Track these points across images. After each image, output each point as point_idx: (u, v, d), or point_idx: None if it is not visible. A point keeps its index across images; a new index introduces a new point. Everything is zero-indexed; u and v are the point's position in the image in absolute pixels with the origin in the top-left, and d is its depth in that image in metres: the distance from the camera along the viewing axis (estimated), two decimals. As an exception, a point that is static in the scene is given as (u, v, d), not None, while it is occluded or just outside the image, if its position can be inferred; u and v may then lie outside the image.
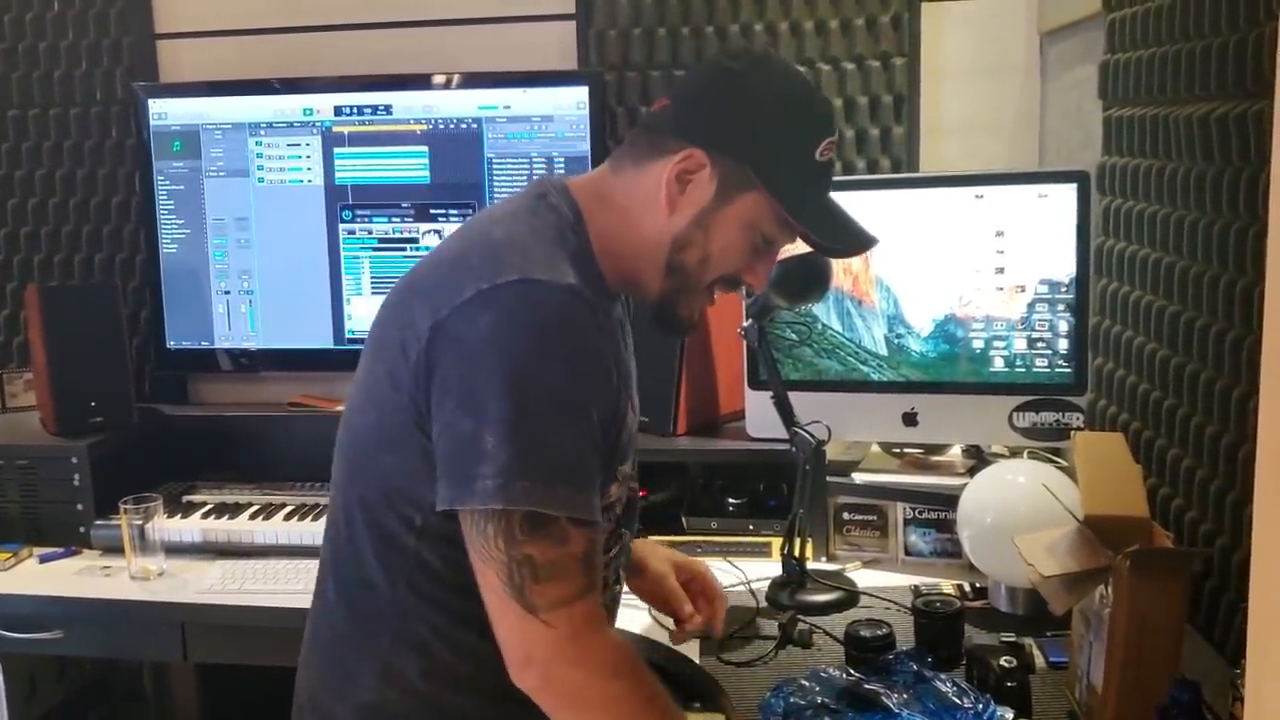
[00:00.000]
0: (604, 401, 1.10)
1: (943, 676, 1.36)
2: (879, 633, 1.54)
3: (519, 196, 1.21)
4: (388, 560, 1.15)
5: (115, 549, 2.09)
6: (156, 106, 2.46)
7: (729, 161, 1.13)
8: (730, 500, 2.15)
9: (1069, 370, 1.91)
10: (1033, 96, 2.34)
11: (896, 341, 1.99)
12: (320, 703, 1.23)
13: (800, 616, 1.67)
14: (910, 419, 2.01)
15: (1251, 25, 1.32)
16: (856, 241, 1.21)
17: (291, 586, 1.98)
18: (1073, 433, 1.77)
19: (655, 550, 1.50)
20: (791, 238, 1.19)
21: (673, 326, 1.25)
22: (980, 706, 1.30)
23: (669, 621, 1.52)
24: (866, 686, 1.35)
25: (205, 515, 2.20)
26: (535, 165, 2.36)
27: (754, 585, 1.83)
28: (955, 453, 2.09)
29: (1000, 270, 1.93)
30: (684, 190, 1.14)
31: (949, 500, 1.81)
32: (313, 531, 2.11)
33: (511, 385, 1.03)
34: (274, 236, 2.47)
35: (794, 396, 1.81)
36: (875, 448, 2.14)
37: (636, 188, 1.17)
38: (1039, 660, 1.51)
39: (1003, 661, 1.37)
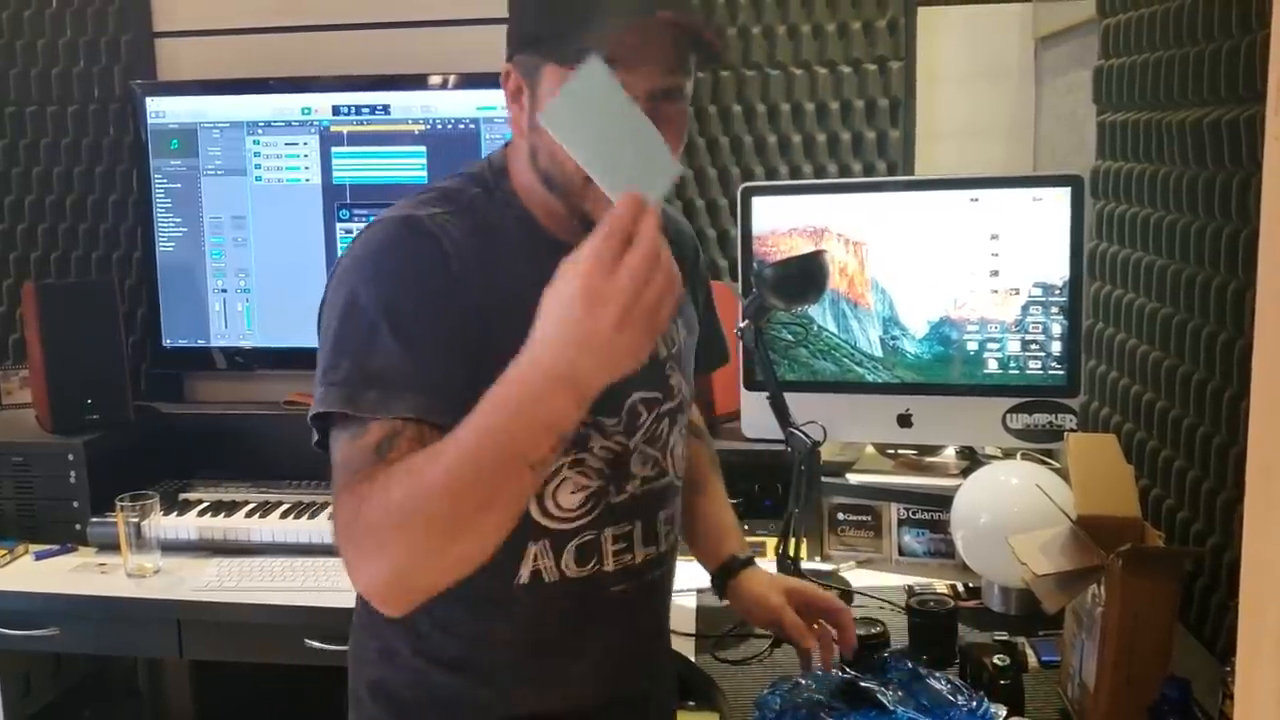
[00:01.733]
0: (429, 311, 1.06)
1: (937, 675, 1.37)
2: (873, 631, 1.55)
3: None
4: None
5: (111, 546, 2.09)
6: (154, 105, 2.46)
7: (521, 55, 1.08)
8: (725, 500, 2.15)
9: (1062, 372, 1.93)
10: (1028, 101, 2.35)
11: (891, 343, 2.01)
12: (350, 679, 1.29)
13: (795, 615, 1.67)
14: (905, 420, 2.02)
15: (1244, 31, 1.34)
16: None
17: (287, 584, 1.98)
18: (1065, 434, 1.79)
19: (768, 581, 1.42)
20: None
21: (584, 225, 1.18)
22: (974, 704, 1.31)
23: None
24: (862, 684, 1.36)
25: (201, 513, 2.20)
26: (532, 166, 2.36)
27: (749, 584, 1.84)
28: (949, 454, 2.11)
29: (995, 273, 1.94)
30: (517, 106, 1.11)
31: (943, 501, 1.82)
32: (308, 530, 2.12)
33: (332, 305, 1.09)
34: (271, 235, 2.47)
35: (789, 397, 1.81)
36: (870, 449, 2.15)
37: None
38: (1032, 659, 1.52)
39: (996, 660, 1.38)
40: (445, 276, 1.08)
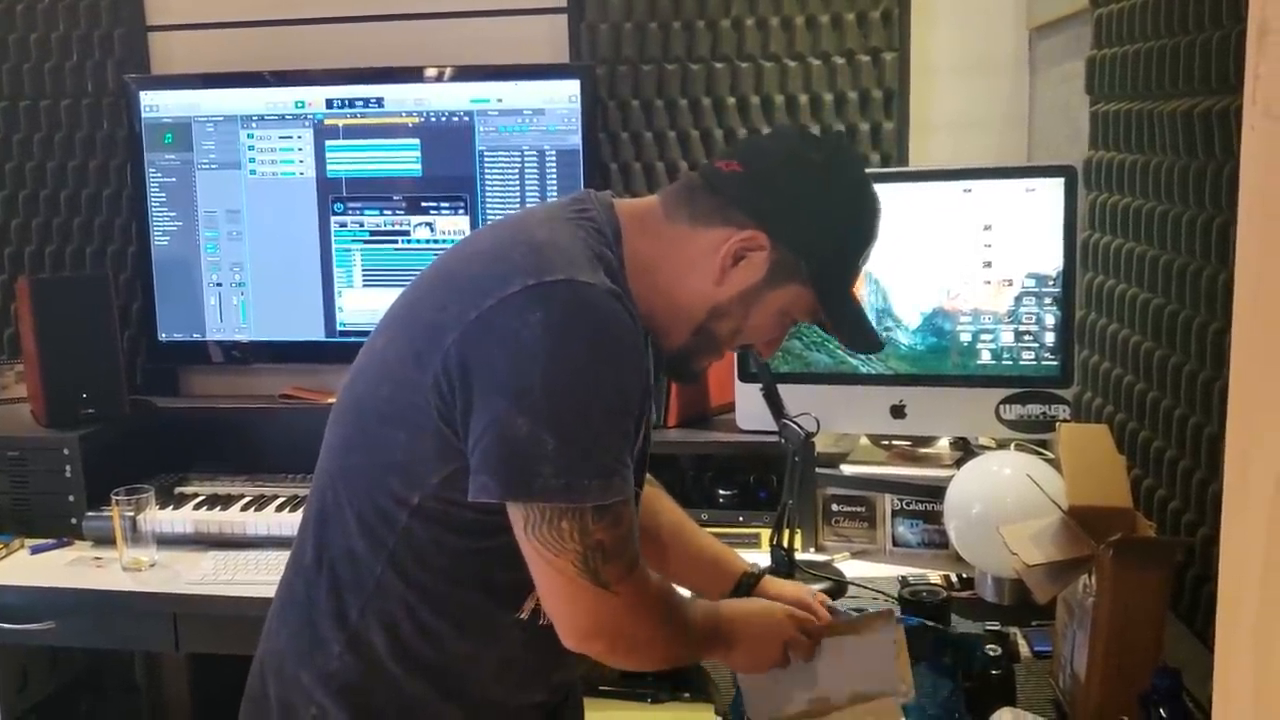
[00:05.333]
0: (638, 398, 1.12)
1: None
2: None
3: (560, 203, 1.22)
4: (375, 533, 1.16)
5: (107, 540, 2.09)
6: (148, 99, 2.46)
7: (786, 252, 1.16)
8: (720, 491, 2.16)
9: (1055, 363, 1.93)
10: (1021, 92, 2.35)
11: (885, 334, 2.00)
12: (285, 667, 1.22)
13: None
14: (898, 411, 2.02)
15: (1235, 21, 1.33)
16: (871, 345, 1.28)
17: (283, 577, 1.99)
18: (1058, 424, 1.79)
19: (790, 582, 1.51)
20: (813, 323, 1.26)
21: (682, 375, 1.30)
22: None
23: None
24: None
25: (197, 507, 2.20)
26: (527, 158, 2.36)
27: (743, 576, 1.84)
28: (943, 445, 2.11)
29: (988, 264, 1.94)
30: (735, 265, 1.16)
31: (936, 492, 1.83)
32: (304, 523, 2.12)
33: (566, 387, 1.05)
34: (266, 229, 2.47)
35: (783, 389, 1.82)
36: (864, 440, 2.15)
37: (687, 243, 1.18)
38: (1024, 649, 1.53)
39: (988, 650, 1.38)
40: (643, 360, 1.13)
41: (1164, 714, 1.17)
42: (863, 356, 2.01)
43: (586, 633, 1.12)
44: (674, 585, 1.28)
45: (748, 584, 1.45)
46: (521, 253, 1.11)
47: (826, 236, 1.18)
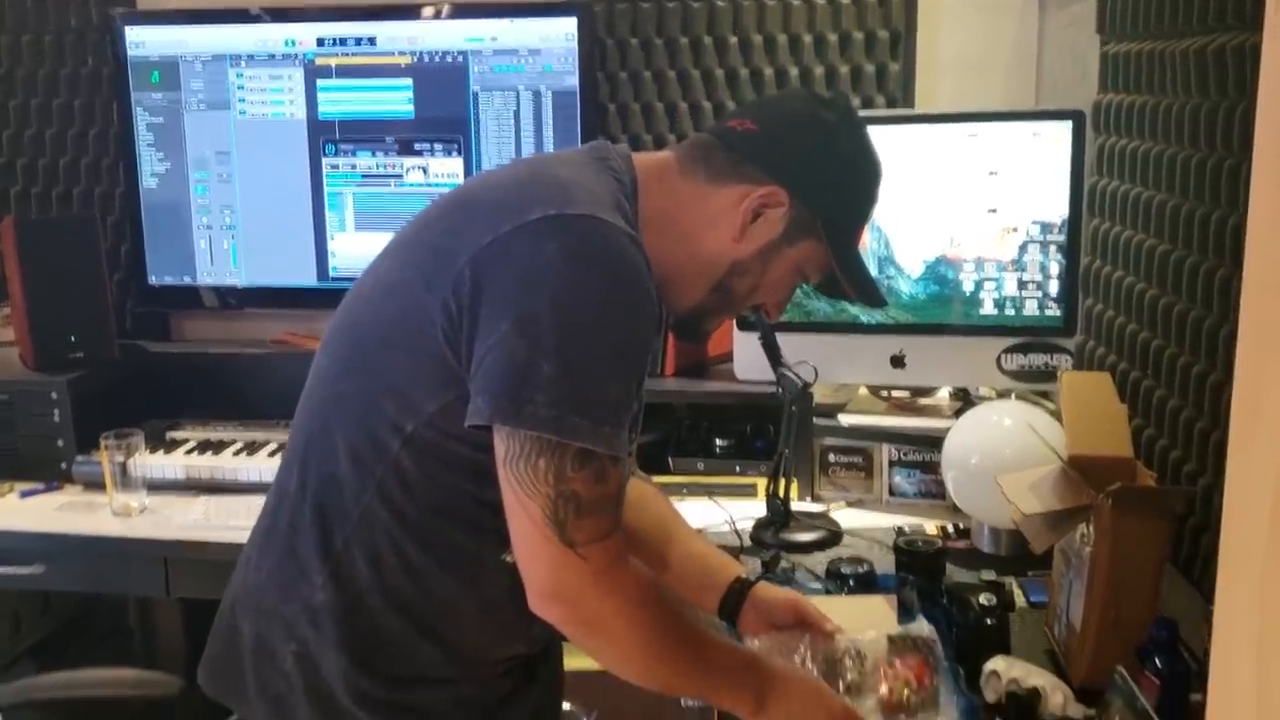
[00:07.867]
0: (646, 352, 1.10)
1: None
2: (860, 570, 1.54)
3: (580, 150, 1.21)
4: (364, 460, 1.13)
5: (97, 485, 2.08)
6: (133, 35, 2.40)
7: (804, 208, 1.17)
8: (717, 441, 2.14)
9: (1058, 313, 1.89)
10: (1030, 32, 2.29)
11: (886, 283, 1.96)
12: (264, 602, 1.20)
13: (783, 554, 1.67)
14: (898, 361, 1.99)
15: (1253, -46, 1.28)
16: (879, 299, 1.29)
17: (274, 523, 1.97)
18: (1059, 373, 1.76)
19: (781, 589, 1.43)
20: (820, 281, 1.26)
21: (693, 335, 1.29)
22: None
23: None
24: None
25: (188, 452, 2.18)
26: (523, 99, 2.31)
27: (739, 525, 1.83)
28: (943, 395, 2.08)
29: (992, 210, 1.90)
30: (755, 221, 1.17)
31: (934, 442, 1.80)
32: (296, 469, 2.10)
33: (575, 319, 1.02)
34: (256, 171, 2.42)
35: (781, 338, 1.79)
36: (863, 390, 2.12)
37: (705, 200, 1.18)
38: (1019, 599, 1.51)
39: (982, 599, 1.36)
40: (656, 310, 1.11)
41: (1159, 664, 1.15)
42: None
43: (546, 592, 1.07)
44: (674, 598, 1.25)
45: (739, 590, 1.39)
46: (544, 185, 1.10)
47: (841, 193, 1.21)
